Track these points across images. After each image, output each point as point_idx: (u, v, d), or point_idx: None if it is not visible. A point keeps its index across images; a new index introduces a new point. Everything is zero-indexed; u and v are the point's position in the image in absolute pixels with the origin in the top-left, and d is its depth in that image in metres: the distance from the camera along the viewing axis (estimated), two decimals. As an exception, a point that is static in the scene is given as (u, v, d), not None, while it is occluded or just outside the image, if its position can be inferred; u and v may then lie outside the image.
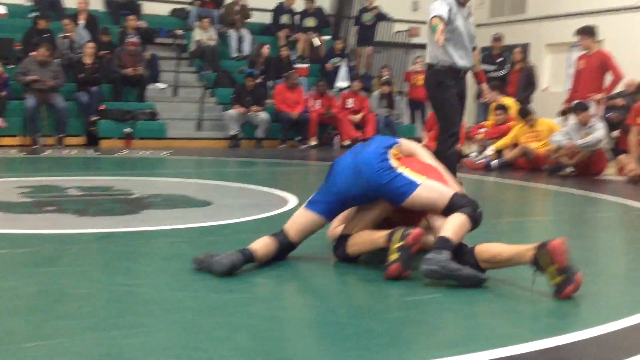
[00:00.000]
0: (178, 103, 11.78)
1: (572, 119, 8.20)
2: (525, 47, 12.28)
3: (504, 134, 8.93)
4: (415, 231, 2.90)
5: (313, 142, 11.50)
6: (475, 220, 3.01)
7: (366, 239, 3.11)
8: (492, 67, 10.99)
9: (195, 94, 11.81)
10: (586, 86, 8.39)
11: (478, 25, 15.48)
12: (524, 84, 10.55)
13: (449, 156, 5.05)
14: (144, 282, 2.83)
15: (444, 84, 5.08)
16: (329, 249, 3.38)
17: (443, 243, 2.88)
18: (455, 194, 3.06)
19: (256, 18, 13.70)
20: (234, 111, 11.06)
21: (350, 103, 11.88)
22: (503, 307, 2.65)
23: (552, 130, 8.39)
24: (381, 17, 13.46)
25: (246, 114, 11.08)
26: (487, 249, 2.94)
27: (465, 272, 2.81)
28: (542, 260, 2.72)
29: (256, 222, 4.30)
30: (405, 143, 3.35)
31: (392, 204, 3.15)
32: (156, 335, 2.18)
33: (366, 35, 13.63)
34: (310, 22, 13.64)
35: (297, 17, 13.67)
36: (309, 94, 11.86)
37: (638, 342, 2.22)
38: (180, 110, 11.63)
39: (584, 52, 8.56)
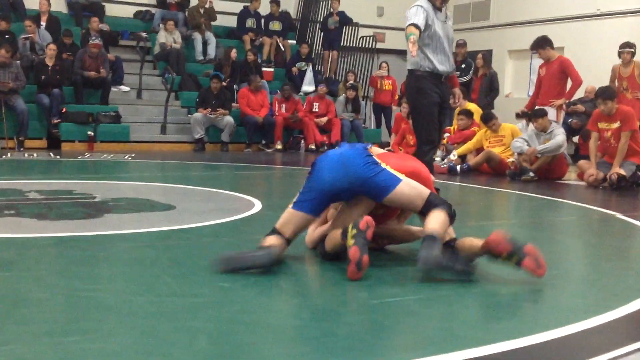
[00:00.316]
0: (142, 106, 11.68)
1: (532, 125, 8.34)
2: (488, 54, 12.43)
3: (467, 139, 9.02)
4: (365, 217, 2.99)
5: (278, 146, 11.49)
6: (452, 218, 3.14)
7: (334, 236, 3.19)
8: (456, 73, 11.10)
9: (160, 97, 11.72)
10: (547, 92, 8.54)
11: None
12: (487, 89, 10.69)
13: (426, 163, 5.09)
14: (102, 286, 2.78)
15: (425, 90, 5.08)
16: (293, 252, 3.37)
17: (432, 239, 2.96)
18: (432, 193, 3.18)
19: (221, 21, 13.65)
20: (199, 114, 10.99)
21: (316, 107, 11.91)
22: (463, 310, 2.67)
23: (515, 135, 8.51)
24: (345, 21, 13.52)
25: (211, 114, 11.01)
26: (462, 244, 3.18)
27: (458, 266, 2.94)
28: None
29: (220, 226, 4.27)
30: (373, 148, 3.46)
31: (374, 200, 3.22)
32: (113, 340, 2.14)
33: (331, 39, 13.68)
34: (275, 25, 13.65)
35: (262, 21, 13.65)
36: (274, 98, 11.85)
37: (596, 345, 2.25)
38: (144, 114, 11.53)
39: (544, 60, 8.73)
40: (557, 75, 8.45)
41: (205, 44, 12.82)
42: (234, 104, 11.54)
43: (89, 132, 10.36)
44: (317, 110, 11.88)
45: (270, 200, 5.53)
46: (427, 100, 5.09)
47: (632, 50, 8.55)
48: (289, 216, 3.21)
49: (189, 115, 11.62)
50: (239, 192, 5.88)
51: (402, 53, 15.85)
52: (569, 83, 8.42)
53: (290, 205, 3.24)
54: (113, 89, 11.34)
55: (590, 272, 3.56)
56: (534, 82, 9.23)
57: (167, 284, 2.82)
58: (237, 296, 2.71)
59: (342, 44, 13.92)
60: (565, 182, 7.93)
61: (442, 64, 5.10)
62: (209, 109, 11.01)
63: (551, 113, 8.25)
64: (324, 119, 11.75)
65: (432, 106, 5.10)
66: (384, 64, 13.04)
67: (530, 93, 11.03)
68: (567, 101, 8.67)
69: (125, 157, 9.24)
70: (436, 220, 3.03)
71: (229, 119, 11.15)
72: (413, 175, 3.31)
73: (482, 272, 3.29)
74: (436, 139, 5.25)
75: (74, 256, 3.35)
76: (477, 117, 9.30)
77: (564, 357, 2.13)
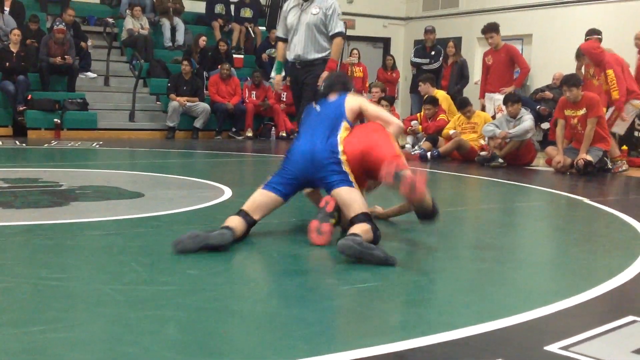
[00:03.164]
0: (109, 93, 11.51)
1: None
2: (457, 41, 12.47)
3: (440, 128, 9.04)
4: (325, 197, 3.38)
5: (249, 134, 11.42)
6: (375, 238, 3.21)
7: None
8: (425, 60, 11.12)
9: (128, 84, 11.56)
10: (497, 80, 8.71)
11: (411, 19, 15.73)
12: (457, 77, 10.73)
13: None
14: (69, 275, 2.74)
15: (289, 75, 5.79)
16: (261, 239, 3.36)
17: (354, 234, 3.04)
18: (365, 213, 3.28)
19: (189, 7, 13.50)
20: (176, 103, 10.84)
21: (284, 96, 11.81)
22: (433, 295, 2.68)
23: (487, 122, 8.56)
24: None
25: (188, 102, 10.91)
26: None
27: (377, 252, 2.96)
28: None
29: (189, 213, 4.23)
30: (350, 101, 3.67)
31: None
32: (80, 329, 2.11)
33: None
34: (246, 12, 13.53)
35: (232, 7, 13.52)
36: (244, 85, 11.76)
37: (565, 327, 2.28)
38: (112, 101, 11.37)
39: (491, 47, 8.92)
40: (505, 63, 8.68)
41: (173, 30, 12.67)
42: (205, 91, 11.43)
43: (56, 120, 10.19)
44: (285, 99, 11.78)
45: (241, 187, 5.48)
46: (290, 83, 5.73)
47: (599, 37, 8.63)
48: (258, 197, 3.41)
49: (158, 102, 11.48)
50: (209, 179, 5.84)
51: (372, 40, 15.87)
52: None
53: (261, 187, 3.43)
54: (80, 75, 11.16)
55: (559, 256, 3.60)
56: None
57: (136, 272, 2.78)
58: (207, 284, 2.69)
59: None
60: (534, 168, 8.02)
61: (291, 51, 5.56)
62: (185, 98, 10.88)
63: (502, 101, 8.42)
64: (284, 97, 11.56)
65: (293, 87, 5.69)
66: (354, 51, 13.00)
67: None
68: (516, 89, 8.81)
69: (93, 145, 9.11)
70: (361, 228, 3.14)
71: (204, 105, 11.05)
72: (367, 153, 3.50)
73: (451, 258, 3.31)
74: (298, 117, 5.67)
75: (40, 245, 3.29)
76: (445, 105, 9.32)
77: (533, 339, 2.15)
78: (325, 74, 5.36)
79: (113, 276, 2.73)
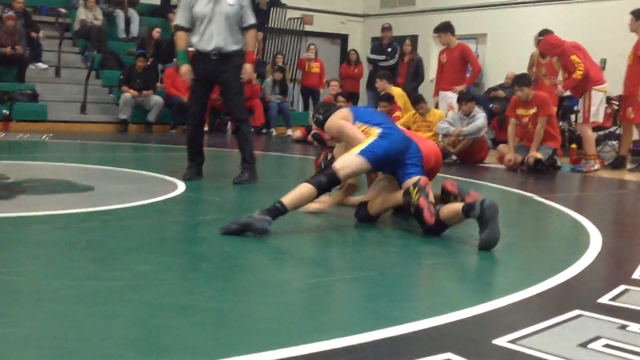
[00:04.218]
0: (61, 84, 11.26)
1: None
2: (414, 39, 12.57)
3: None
4: (423, 177, 3.74)
5: (204, 128, 11.28)
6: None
7: (384, 200, 3.91)
8: (381, 57, 11.19)
9: (80, 76, 11.32)
10: (449, 79, 8.81)
11: (368, 16, 15.80)
12: (412, 75, 10.81)
13: (191, 137, 5.67)
14: (14, 270, 2.66)
15: (193, 68, 5.37)
16: (215, 235, 3.33)
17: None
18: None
19: (145, -1, 13.30)
20: (128, 95, 10.65)
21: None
22: (385, 290, 2.70)
23: (442, 120, 8.65)
24: (274, 2, 13.39)
25: (139, 96, 10.72)
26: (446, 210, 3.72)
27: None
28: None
29: (140, 207, 4.16)
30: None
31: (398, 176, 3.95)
32: (24, 325, 2.05)
33: (259, 20, 13.50)
34: (202, 5, 13.38)
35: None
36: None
37: (511, 322, 2.31)
38: (63, 92, 11.13)
39: (444, 46, 9.03)
40: (458, 61, 8.79)
41: (127, 21, 12.46)
42: (158, 84, 11.27)
43: (4, 111, 9.93)
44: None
45: (194, 181, 5.43)
46: (193, 77, 5.38)
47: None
48: (351, 161, 3.72)
49: (111, 95, 11.29)
50: (162, 173, 5.76)
51: (330, 36, 15.88)
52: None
53: (357, 152, 3.73)
54: (30, 66, 10.89)
55: (508, 252, 3.65)
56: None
57: (84, 267, 2.73)
58: (158, 279, 2.65)
59: (270, 25, 13.78)
60: (486, 165, 8.14)
61: (201, 42, 5.33)
62: (136, 91, 10.70)
63: (454, 99, 8.53)
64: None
65: (195, 83, 5.43)
66: (312, 47, 12.99)
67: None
68: (467, 87, 8.92)
69: (43, 137, 8.91)
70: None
71: (157, 98, 10.88)
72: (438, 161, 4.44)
73: (403, 253, 3.34)
74: (195, 113, 5.58)
75: (-16, 239, 3.20)
76: (400, 102, 9.37)
77: (482, 333, 2.17)
78: (248, 66, 5.41)
79: (60, 271, 2.67)
